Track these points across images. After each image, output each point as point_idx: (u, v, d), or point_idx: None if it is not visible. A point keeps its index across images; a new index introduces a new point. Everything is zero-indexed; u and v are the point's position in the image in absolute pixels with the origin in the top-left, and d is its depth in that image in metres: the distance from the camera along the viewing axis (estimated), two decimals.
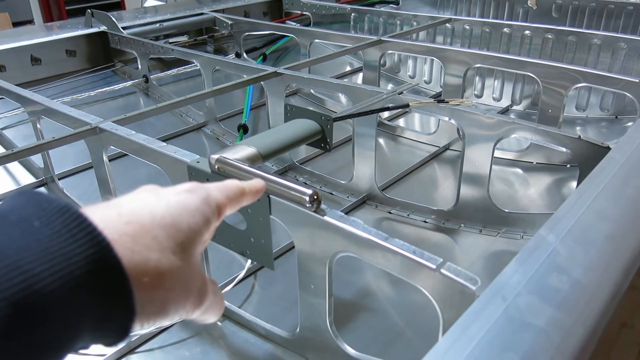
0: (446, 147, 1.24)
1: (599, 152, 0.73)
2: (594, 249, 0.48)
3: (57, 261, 0.23)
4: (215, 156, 0.60)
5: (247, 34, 1.63)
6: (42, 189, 1.04)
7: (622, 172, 0.60)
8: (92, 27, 1.52)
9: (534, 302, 0.40)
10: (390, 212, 0.99)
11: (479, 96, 1.54)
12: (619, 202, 0.55)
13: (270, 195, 0.56)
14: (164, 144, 0.70)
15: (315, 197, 0.52)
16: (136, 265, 0.27)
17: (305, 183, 1.10)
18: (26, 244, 0.23)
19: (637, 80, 0.95)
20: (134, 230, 0.28)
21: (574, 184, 1.00)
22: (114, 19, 1.49)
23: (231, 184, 0.40)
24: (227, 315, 0.74)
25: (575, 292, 0.43)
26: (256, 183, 0.43)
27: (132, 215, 0.29)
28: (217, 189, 0.37)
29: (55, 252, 0.23)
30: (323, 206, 0.53)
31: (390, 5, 2.06)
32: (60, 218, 0.25)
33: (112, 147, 0.78)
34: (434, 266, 0.45)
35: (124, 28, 1.50)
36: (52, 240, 0.24)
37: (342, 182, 1.06)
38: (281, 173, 1.13)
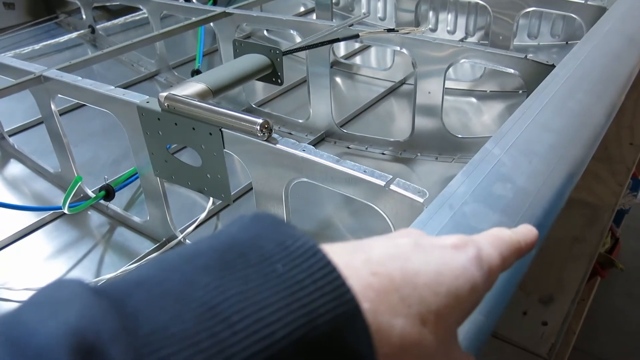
0: (402, 82, 1.25)
1: (544, 70, 0.74)
2: (538, 158, 0.50)
3: (299, 324, 0.20)
4: (164, 94, 0.59)
5: None
6: None
7: (565, 87, 0.61)
8: None
9: (480, 209, 0.42)
10: (348, 147, 1.00)
11: (434, 30, 1.54)
12: (562, 115, 0.57)
13: (223, 129, 0.56)
14: (112, 87, 0.69)
15: (266, 125, 0.52)
16: (377, 330, 0.22)
17: None
18: (267, 295, 0.20)
19: (583, 2, 0.96)
20: (381, 284, 0.23)
21: None
22: None
23: (504, 235, 0.29)
24: None
25: (519, 198, 0.44)
26: (527, 232, 0.31)
27: (380, 265, 0.24)
28: (489, 244, 0.28)
29: (297, 311, 0.20)
30: (275, 135, 0.53)
31: None
32: (305, 263, 0.21)
33: (60, 96, 0.76)
34: (383, 183, 0.46)
35: None
36: (294, 294, 0.21)
37: (300, 121, 1.06)
38: None
